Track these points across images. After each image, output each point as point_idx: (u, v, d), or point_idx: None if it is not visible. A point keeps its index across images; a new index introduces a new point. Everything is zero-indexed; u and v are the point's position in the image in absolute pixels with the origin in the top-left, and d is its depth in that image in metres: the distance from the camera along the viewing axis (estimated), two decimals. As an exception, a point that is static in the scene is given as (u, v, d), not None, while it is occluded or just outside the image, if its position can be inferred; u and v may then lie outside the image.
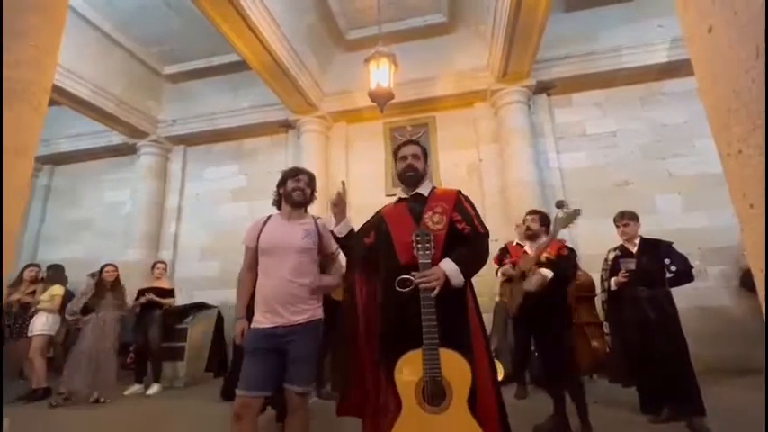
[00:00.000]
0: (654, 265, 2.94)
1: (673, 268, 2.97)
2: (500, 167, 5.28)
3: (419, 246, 1.59)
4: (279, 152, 6.36)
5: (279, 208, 2.13)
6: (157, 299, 4.60)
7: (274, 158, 6.32)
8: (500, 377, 3.80)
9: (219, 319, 5.34)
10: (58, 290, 4.62)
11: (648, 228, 2.70)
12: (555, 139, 5.34)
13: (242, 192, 6.36)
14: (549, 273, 2.58)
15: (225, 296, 5.57)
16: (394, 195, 2.07)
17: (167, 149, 6.74)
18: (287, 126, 6.23)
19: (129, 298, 4.76)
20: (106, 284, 4.35)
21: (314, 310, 1.95)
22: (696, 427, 2.55)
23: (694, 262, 3.44)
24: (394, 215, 1.85)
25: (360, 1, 5.17)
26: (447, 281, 1.56)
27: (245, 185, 6.39)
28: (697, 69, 1.05)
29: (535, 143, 5.18)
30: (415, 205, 1.82)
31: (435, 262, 1.60)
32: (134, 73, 6.04)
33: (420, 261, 1.57)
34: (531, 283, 2.57)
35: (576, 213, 2.53)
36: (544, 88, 5.40)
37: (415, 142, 2.00)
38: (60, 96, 5.14)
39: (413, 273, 1.57)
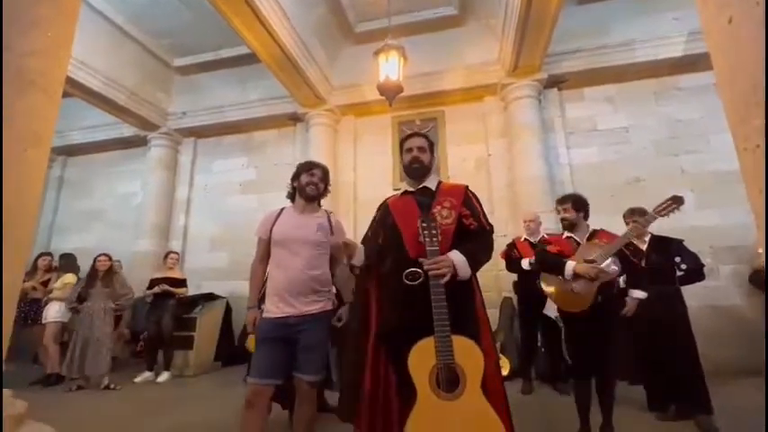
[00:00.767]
0: (664, 263, 2.90)
1: (683, 266, 2.94)
2: (509, 162, 5.23)
3: (425, 233, 1.57)
4: (287, 145, 6.38)
5: (293, 201, 2.14)
6: (171, 289, 4.67)
7: (282, 151, 6.35)
8: (505, 372, 3.82)
9: (228, 309, 5.42)
10: (70, 278, 4.73)
11: (659, 225, 2.65)
12: (565, 135, 5.27)
13: (251, 184, 6.40)
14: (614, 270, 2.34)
15: (233, 287, 5.65)
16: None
17: (177, 141, 6.80)
18: (295, 119, 6.24)
19: (141, 287, 4.85)
20: (98, 274, 4.36)
21: (325, 302, 1.97)
22: (703, 425, 2.53)
23: (706, 260, 3.39)
24: (401, 208, 1.83)
25: (369, -7, 5.14)
26: (455, 272, 1.56)
27: (255, 178, 6.43)
28: (715, 62, 1.02)
29: (545, 138, 5.12)
30: (423, 199, 1.81)
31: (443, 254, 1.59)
32: (145, 65, 6.08)
33: (428, 248, 1.56)
34: (610, 273, 2.28)
35: (677, 201, 2.38)
36: (555, 82, 5.32)
37: (422, 134, 1.98)
38: (73, 88, 5.20)
39: (421, 260, 1.56)
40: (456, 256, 1.59)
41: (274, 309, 1.89)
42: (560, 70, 5.18)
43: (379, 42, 4.14)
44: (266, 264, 2.04)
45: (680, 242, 3.00)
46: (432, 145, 1.95)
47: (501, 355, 4.03)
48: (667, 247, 2.97)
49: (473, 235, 1.72)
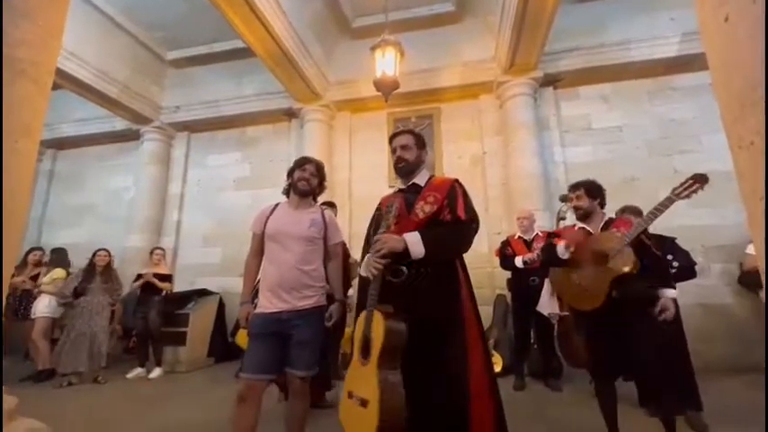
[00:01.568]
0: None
1: (675, 264, 2.97)
2: (504, 160, 5.25)
3: (382, 222, 1.70)
4: (281, 141, 6.33)
5: (288, 197, 2.15)
6: (155, 281, 4.64)
7: (277, 147, 6.30)
8: (498, 369, 3.84)
9: (221, 305, 5.39)
10: (59, 273, 4.67)
11: (652, 223, 2.67)
12: (560, 133, 5.29)
13: (245, 179, 6.35)
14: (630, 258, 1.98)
15: (227, 283, 5.62)
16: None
17: (170, 136, 6.72)
18: (290, 115, 6.20)
19: (128, 282, 4.82)
20: (97, 269, 4.37)
21: (318, 297, 1.97)
22: (693, 422, 2.56)
23: (697, 259, 3.42)
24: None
25: (366, -12, 5.10)
26: (407, 251, 1.62)
27: (248, 173, 6.37)
28: (711, 60, 1.03)
29: (540, 136, 5.13)
30: (410, 195, 1.83)
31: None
32: (138, 58, 5.99)
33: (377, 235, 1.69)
34: (627, 263, 1.98)
35: (701, 180, 2.05)
36: (551, 81, 5.34)
37: (408, 131, 1.98)
38: (63, 79, 5.09)
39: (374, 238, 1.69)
40: (409, 236, 1.65)
41: (267, 304, 1.88)
42: (556, 69, 5.19)
43: (376, 38, 4.12)
44: (260, 259, 2.04)
45: (672, 240, 3.03)
46: (420, 139, 1.95)
47: (494, 352, 4.05)
48: (661, 245, 2.99)
49: (446, 225, 1.72)
